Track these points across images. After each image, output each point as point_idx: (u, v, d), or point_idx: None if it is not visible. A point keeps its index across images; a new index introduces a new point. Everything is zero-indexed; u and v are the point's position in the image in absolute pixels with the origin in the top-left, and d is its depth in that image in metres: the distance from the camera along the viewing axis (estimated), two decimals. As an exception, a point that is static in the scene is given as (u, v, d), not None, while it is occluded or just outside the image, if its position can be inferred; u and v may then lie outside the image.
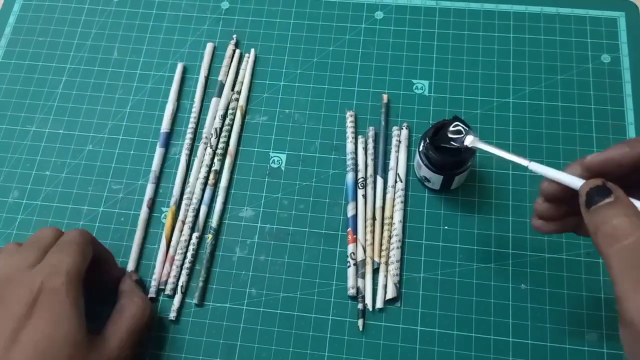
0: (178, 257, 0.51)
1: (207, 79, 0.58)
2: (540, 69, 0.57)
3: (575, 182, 0.33)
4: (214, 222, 0.52)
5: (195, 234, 0.51)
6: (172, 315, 0.49)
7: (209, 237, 0.51)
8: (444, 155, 0.47)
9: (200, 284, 0.50)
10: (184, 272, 0.50)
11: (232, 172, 0.54)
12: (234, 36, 0.60)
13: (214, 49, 0.60)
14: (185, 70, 0.59)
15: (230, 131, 0.55)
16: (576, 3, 0.60)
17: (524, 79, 0.57)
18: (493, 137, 0.54)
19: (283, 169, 0.54)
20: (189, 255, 0.51)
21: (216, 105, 0.57)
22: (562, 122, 0.55)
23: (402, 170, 0.53)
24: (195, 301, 0.49)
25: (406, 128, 0.55)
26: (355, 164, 0.53)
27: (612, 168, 0.31)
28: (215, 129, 0.55)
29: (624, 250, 0.27)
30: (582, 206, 0.31)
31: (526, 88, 0.56)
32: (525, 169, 0.51)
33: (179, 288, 0.50)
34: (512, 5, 0.60)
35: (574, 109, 0.55)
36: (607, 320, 0.47)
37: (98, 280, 0.46)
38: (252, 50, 0.59)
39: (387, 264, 0.50)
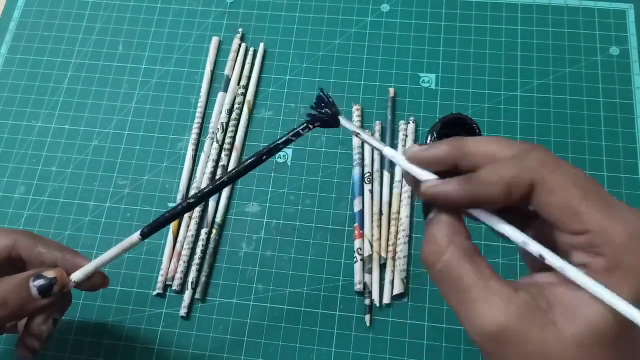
0: (185, 252, 0.51)
1: (213, 73, 0.58)
2: (549, 61, 0.56)
3: (425, 176, 0.30)
4: (218, 217, 0.52)
5: (204, 230, 0.51)
6: (183, 312, 0.49)
7: (214, 232, 0.51)
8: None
9: (204, 279, 0.50)
10: (194, 268, 0.50)
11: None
12: (240, 30, 0.60)
13: (220, 43, 0.60)
14: (187, 64, 0.59)
15: (237, 126, 0.55)
16: (585, -5, 0.59)
17: (532, 72, 0.56)
18: (501, 131, 0.54)
19: (289, 164, 0.54)
20: (198, 251, 0.51)
21: (222, 100, 0.56)
22: (571, 116, 0.54)
23: (409, 165, 0.52)
24: (198, 296, 0.49)
25: (413, 122, 0.54)
26: (362, 159, 0.53)
27: (446, 206, 0.29)
28: (222, 123, 0.55)
29: (440, 271, 0.27)
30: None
31: (534, 81, 0.56)
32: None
33: (189, 284, 0.49)
34: (520, -3, 0.59)
35: (583, 102, 0.55)
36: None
37: None
38: (262, 45, 0.59)
39: (394, 259, 0.49)
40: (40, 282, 0.36)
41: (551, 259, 0.25)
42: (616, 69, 0.56)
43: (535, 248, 0.26)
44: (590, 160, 0.52)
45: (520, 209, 0.28)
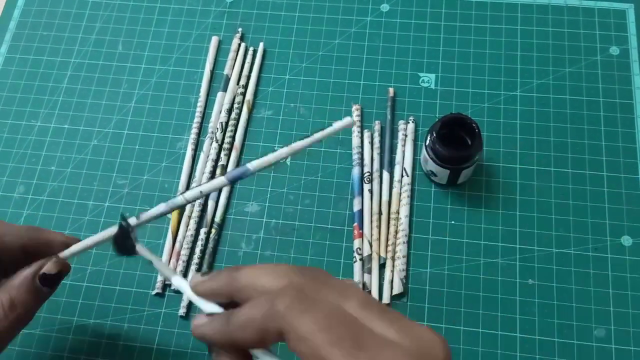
0: (184, 252, 0.51)
1: (212, 72, 0.58)
2: (548, 61, 0.56)
3: (209, 309, 0.31)
4: (217, 217, 0.52)
5: (203, 229, 0.51)
6: (182, 311, 0.49)
7: (213, 232, 0.51)
8: (451, 150, 0.47)
9: (205, 278, 0.50)
10: (193, 267, 0.50)
11: (237, 167, 0.54)
12: (239, 29, 0.60)
13: (219, 42, 0.60)
14: (190, 64, 0.59)
15: (236, 125, 0.55)
16: (585, -6, 0.59)
17: (532, 71, 0.56)
18: (500, 130, 0.54)
19: (288, 163, 0.54)
20: (197, 250, 0.51)
21: (222, 100, 0.56)
22: (570, 115, 0.54)
23: (408, 165, 0.52)
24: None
25: (412, 122, 0.54)
26: (361, 159, 0.53)
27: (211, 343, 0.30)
28: (221, 123, 0.55)
29: None
30: None
31: (534, 81, 0.56)
32: (533, 162, 0.51)
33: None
34: (520, -3, 0.59)
35: (582, 102, 0.54)
36: (615, 316, 0.47)
37: None
38: (261, 44, 0.59)
39: (393, 259, 0.49)
40: (44, 277, 0.36)
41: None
42: (616, 69, 0.56)
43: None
44: (589, 160, 0.52)
45: None
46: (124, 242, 0.35)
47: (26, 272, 0.36)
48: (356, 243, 0.50)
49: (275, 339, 0.26)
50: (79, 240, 0.39)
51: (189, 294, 0.31)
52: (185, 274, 0.50)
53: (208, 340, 0.29)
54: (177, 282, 0.32)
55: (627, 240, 0.49)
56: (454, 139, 0.49)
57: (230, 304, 0.30)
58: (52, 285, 0.37)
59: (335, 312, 0.26)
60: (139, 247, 0.35)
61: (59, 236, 0.39)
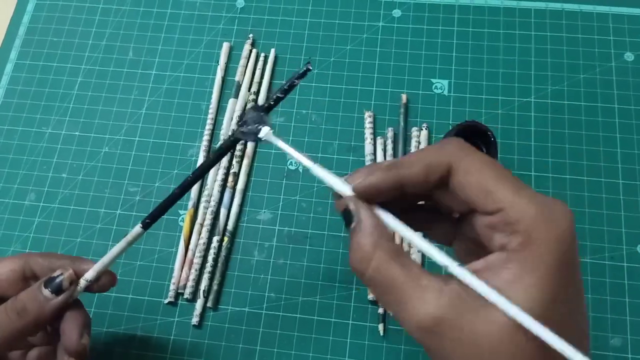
0: (196, 260, 0.50)
1: (223, 79, 0.58)
2: (563, 67, 0.56)
3: (346, 192, 0.30)
4: (230, 225, 0.51)
5: (215, 237, 0.51)
6: (195, 320, 0.48)
7: (225, 240, 0.51)
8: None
9: (215, 287, 0.49)
10: (205, 275, 0.50)
11: (249, 175, 0.54)
12: (250, 35, 0.59)
13: (230, 48, 0.59)
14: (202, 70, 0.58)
15: (247, 132, 0.55)
16: (598, 0, 0.58)
17: (546, 77, 0.56)
18: (514, 137, 0.53)
19: (301, 170, 0.54)
20: (209, 258, 0.50)
21: (233, 106, 0.56)
22: (585, 122, 0.54)
23: (422, 172, 0.52)
24: (209, 304, 0.49)
25: (426, 129, 0.54)
26: (374, 166, 0.53)
27: (376, 194, 0.30)
28: (233, 130, 0.55)
29: (371, 277, 0.28)
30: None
31: (548, 87, 0.55)
32: (548, 170, 0.50)
33: (200, 292, 0.49)
34: (534, 2, 0.59)
35: (597, 109, 0.54)
36: (632, 325, 0.46)
37: None
38: (272, 50, 0.58)
39: (407, 267, 0.49)
40: (50, 282, 0.38)
41: (453, 269, 0.26)
42: (631, 75, 0.55)
43: (439, 258, 0.27)
44: (605, 167, 0.52)
45: (446, 207, 0.30)
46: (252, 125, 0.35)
47: (36, 283, 0.38)
48: (370, 251, 0.50)
49: (439, 174, 0.28)
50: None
51: (325, 177, 0.31)
52: (197, 283, 0.50)
53: (370, 187, 0.29)
54: (317, 170, 0.32)
55: (643, 249, 0.49)
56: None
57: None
58: (58, 291, 0.37)
59: (494, 161, 0.28)
60: (266, 132, 0.35)
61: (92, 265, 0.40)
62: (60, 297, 0.38)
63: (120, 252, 0.39)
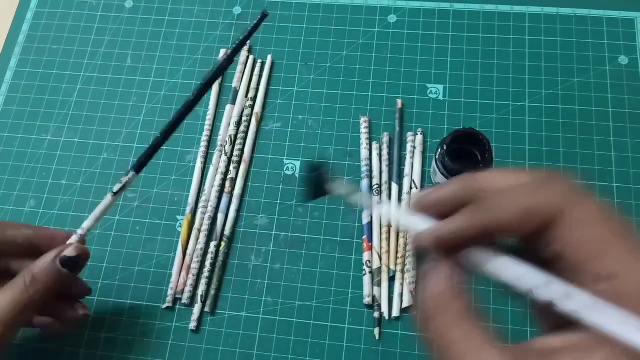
0: (194, 265, 0.51)
1: (221, 85, 0.58)
2: (557, 71, 0.56)
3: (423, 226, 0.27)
4: (227, 230, 0.52)
5: (213, 243, 0.51)
6: (193, 325, 0.49)
7: (222, 245, 0.51)
8: (460, 164, 0.47)
9: (213, 292, 0.50)
10: (203, 281, 0.50)
11: (246, 180, 0.54)
12: (247, 42, 0.60)
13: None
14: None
15: (245, 138, 0.55)
16: (593, 4, 0.59)
17: (540, 82, 0.56)
18: (509, 142, 0.54)
19: (297, 176, 0.54)
20: (207, 263, 0.51)
21: (230, 112, 0.57)
22: (580, 126, 0.54)
23: (417, 177, 0.52)
24: (207, 309, 0.49)
25: (421, 133, 0.54)
26: (370, 171, 0.53)
27: (456, 246, 0.25)
28: (230, 136, 0.55)
29: (432, 335, 0.24)
30: None
31: (542, 91, 0.55)
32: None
33: (198, 297, 0.50)
34: (528, 6, 0.59)
35: (592, 113, 0.54)
36: None
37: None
38: (269, 57, 0.59)
39: (403, 272, 0.49)
40: (64, 259, 0.40)
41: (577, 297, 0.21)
42: (625, 78, 0.56)
43: (558, 287, 0.21)
44: (599, 170, 0.52)
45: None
46: (319, 185, 0.34)
47: (49, 255, 0.40)
48: (366, 256, 0.50)
49: (539, 223, 0.23)
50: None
51: (398, 218, 0.28)
52: (195, 288, 0.50)
53: (449, 237, 0.25)
54: (385, 210, 0.30)
55: (637, 252, 0.49)
56: (464, 154, 0.49)
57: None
58: (70, 267, 0.40)
59: (609, 209, 0.23)
60: (336, 185, 0.33)
61: (61, 232, 0.44)
62: (75, 273, 0.41)
63: (113, 202, 0.43)
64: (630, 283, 0.21)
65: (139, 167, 0.43)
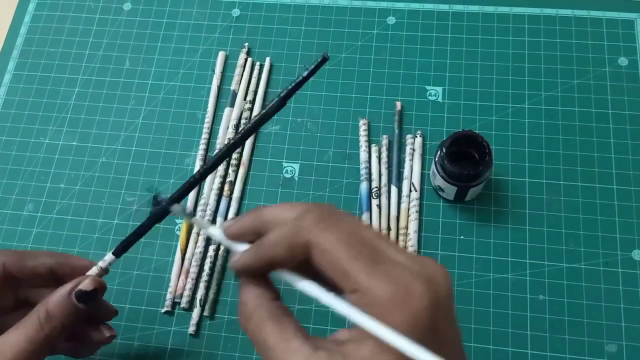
0: (193, 269, 0.51)
1: (219, 88, 0.58)
2: (556, 73, 0.56)
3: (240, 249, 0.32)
4: (227, 233, 0.52)
5: (212, 246, 0.51)
6: (192, 329, 0.49)
7: (221, 249, 0.51)
8: (459, 167, 0.47)
9: (212, 296, 0.50)
10: (202, 285, 0.50)
11: (245, 183, 0.54)
12: (246, 44, 0.60)
13: (226, 57, 0.60)
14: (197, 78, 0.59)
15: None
16: (592, 5, 0.59)
17: (540, 83, 0.56)
18: (509, 144, 0.53)
19: (296, 178, 0.54)
20: (206, 267, 0.51)
21: (229, 115, 0.56)
22: (579, 128, 0.54)
23: (416, 179, 0.52)
24: (206, 313, 0.49)
25: (420, 136, 0.54)
26: (369, 173, 0.53)
27: (253, 272, 0.31)
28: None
29: (250, 333, 0.29)
30: None
31: (542, 93, 0.55)
32: (542, 176, 0.50)
33: (197, 301, 0.49)
34: (527, 8, 0.59)
35: (591, 114, 0.54)
36: (627, 331, 0.46)
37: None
38: (267, 59, 0.59)
39: (402, 275, 0.49)
40: (80, 293, 0.38)
41: (336, 305, 0.27)
42: (625, 80, 0.55)
43: (326, 299, 0.27)
44: (599, 172, 0.52)
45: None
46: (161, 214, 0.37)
47: (64, 289, 0.38)
48: (365, 259, 0.50)
49: (302, 252, 0.28)
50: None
51: (222, 239, 0.33)
52: (194, 292, 0.50)
53: (245, 267, 0.30)
54: (212, 230, 0.34)
55: (638, 255, 0.49)
56: (464, 156, 0.49)
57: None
58: (86, 302, 0.38)
59: (354, 232, 0.27)
60: (174, 207, 0.36)
61: (83, 261, 0.41)
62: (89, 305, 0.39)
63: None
64: (367, 295, 0.25)
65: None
